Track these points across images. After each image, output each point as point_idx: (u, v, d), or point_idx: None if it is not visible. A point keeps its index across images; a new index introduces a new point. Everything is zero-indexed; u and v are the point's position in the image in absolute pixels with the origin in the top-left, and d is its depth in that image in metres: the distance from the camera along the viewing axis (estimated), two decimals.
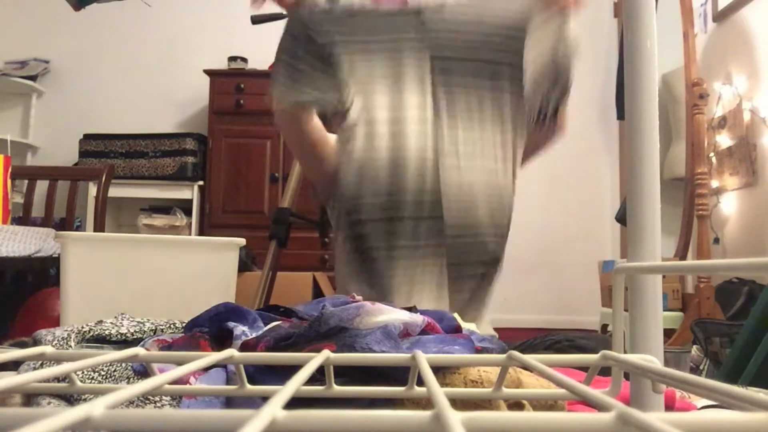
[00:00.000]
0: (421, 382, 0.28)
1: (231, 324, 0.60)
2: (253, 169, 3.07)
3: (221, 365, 0.52)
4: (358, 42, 1.00)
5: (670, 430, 0.15)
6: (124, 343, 0.65)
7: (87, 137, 3.16)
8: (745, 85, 2.36)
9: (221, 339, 0.60)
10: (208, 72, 3.16)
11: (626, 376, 0.37)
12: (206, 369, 0.51)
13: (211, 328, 0.61)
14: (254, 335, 0.57)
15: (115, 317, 0.71)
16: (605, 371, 0.39)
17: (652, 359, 0.33)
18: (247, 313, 0.62)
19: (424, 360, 0.30)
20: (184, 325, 0.66)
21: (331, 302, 0.73)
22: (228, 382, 0.53)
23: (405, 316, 0.56)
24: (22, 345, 0.73)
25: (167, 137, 3.12)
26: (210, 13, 3.50)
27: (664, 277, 1.83)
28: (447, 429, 0.16)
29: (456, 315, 0.72)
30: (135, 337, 0.66)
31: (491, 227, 1.05)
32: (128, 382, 0.53)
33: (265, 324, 0.63)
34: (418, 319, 0.57)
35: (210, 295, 1.22)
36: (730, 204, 2.47)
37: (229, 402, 0.50)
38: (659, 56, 0.37)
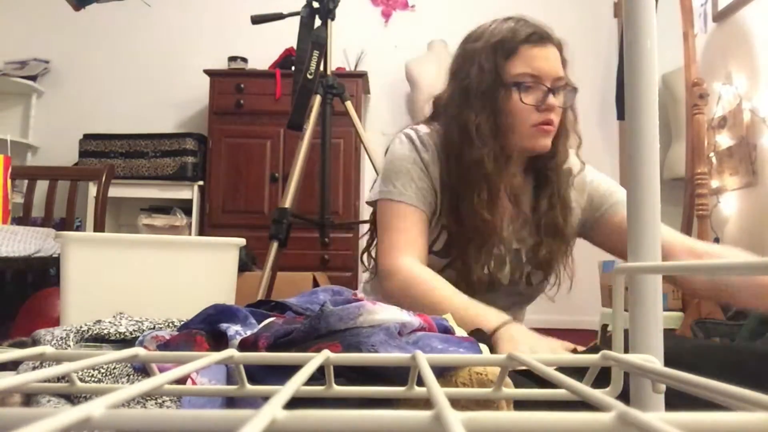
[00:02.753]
0: (421, 382, 0.28)
1: (224, 326, 0.60)
2: (253, 169, 3.07)
3: None
4: None
5: (670, 430, 0.15)
6: (122, 342, 0.65)
7: (87, 137, 3.15)
8: (745, 85, 2.36)
9: (217, 337, 0.60)
10: (208, 72, 3.16)
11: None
12: None
13: (205, 330, 0.61)
14: (249, 333, 0.58)
15: (114, 316, 0.71)
16: None
17: (652, 359, 0.33)
18: (237, 311, 0.63)
19: (424, 360, 0.30)
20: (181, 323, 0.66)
21: (325, 294, 0.73)
22: (228, 376, 0.53)
23: (405, 316, 0.57)
24: (22, 345, 0.73)
25: (167, 137, 3.11)
26: (210, 13, 3.50)
27: (664, 277, 1.82)
28: (447, 429, 0.16)
29: (449, 316, 0.72)
30: (134, 336, 0.66)
31: None
32: (128, 380, 0.53)
33: (258, 321, 0.63)
34: (415, 320, 0.58)
35: (210, 295, 1.22)
36: (730, 204, 2.46)
37: (231, 399, 0.50)
38: (659, 56, 0.37)
